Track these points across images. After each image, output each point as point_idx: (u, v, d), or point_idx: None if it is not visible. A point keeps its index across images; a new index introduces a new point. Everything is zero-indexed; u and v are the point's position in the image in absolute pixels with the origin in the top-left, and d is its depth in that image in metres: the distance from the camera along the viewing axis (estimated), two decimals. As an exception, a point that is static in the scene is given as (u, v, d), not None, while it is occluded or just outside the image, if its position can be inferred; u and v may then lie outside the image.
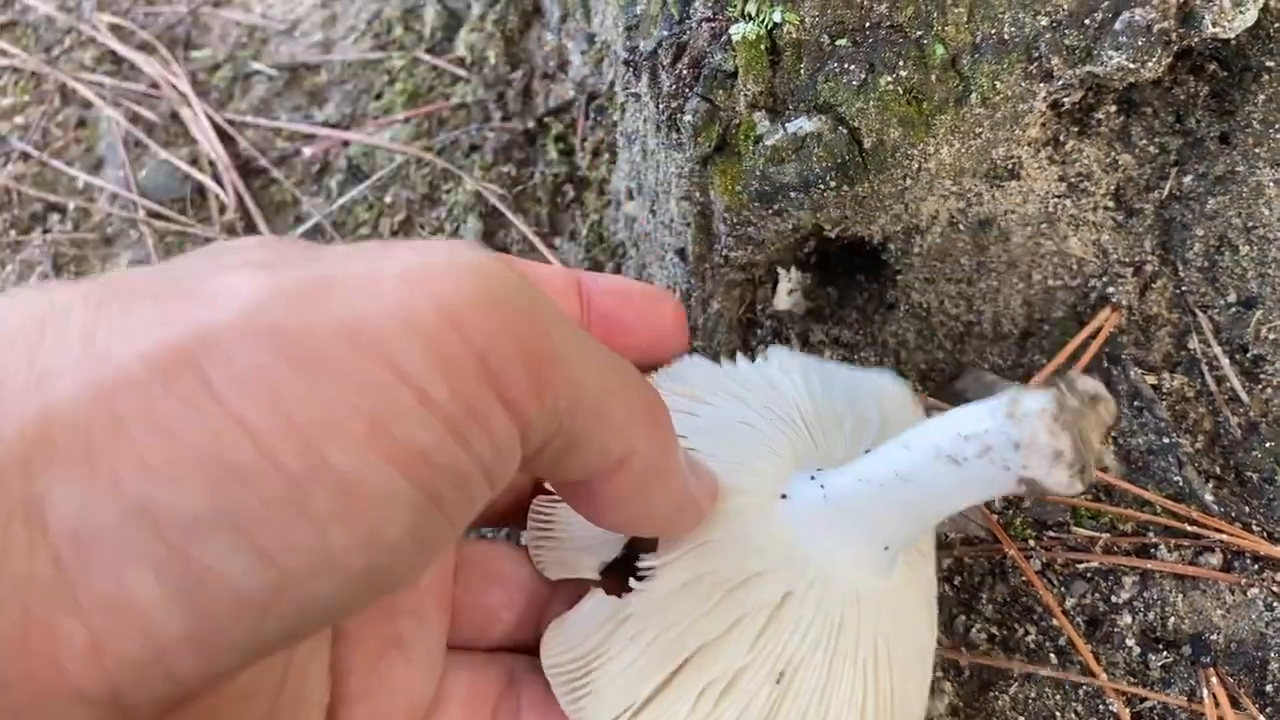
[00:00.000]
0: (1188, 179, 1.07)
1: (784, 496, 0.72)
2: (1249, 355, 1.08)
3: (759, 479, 0.73)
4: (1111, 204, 1.08)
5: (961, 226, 1.04)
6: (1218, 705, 0.87)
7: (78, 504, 0.36)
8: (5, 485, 0.36)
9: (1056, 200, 1.05)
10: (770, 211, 0.98)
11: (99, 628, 0.36)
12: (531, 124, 1.39)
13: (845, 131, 0.93)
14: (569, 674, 0.70)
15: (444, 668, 0.73)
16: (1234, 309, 1.08)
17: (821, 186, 0.94)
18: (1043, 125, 1.02)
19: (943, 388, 1.11)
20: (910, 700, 0.76)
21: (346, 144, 1.44)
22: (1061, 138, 1.05)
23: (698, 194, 1.02)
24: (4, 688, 0.36)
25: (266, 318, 0.40)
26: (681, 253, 1.09)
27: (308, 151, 1.45)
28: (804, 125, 0.94)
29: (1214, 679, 0.88)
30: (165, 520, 0.36)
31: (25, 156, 1.53)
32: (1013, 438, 0.59)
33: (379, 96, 1.49)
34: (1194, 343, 1.09)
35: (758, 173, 0.95)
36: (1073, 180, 1.05)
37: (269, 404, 0.38)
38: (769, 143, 0.95)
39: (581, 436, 0.52)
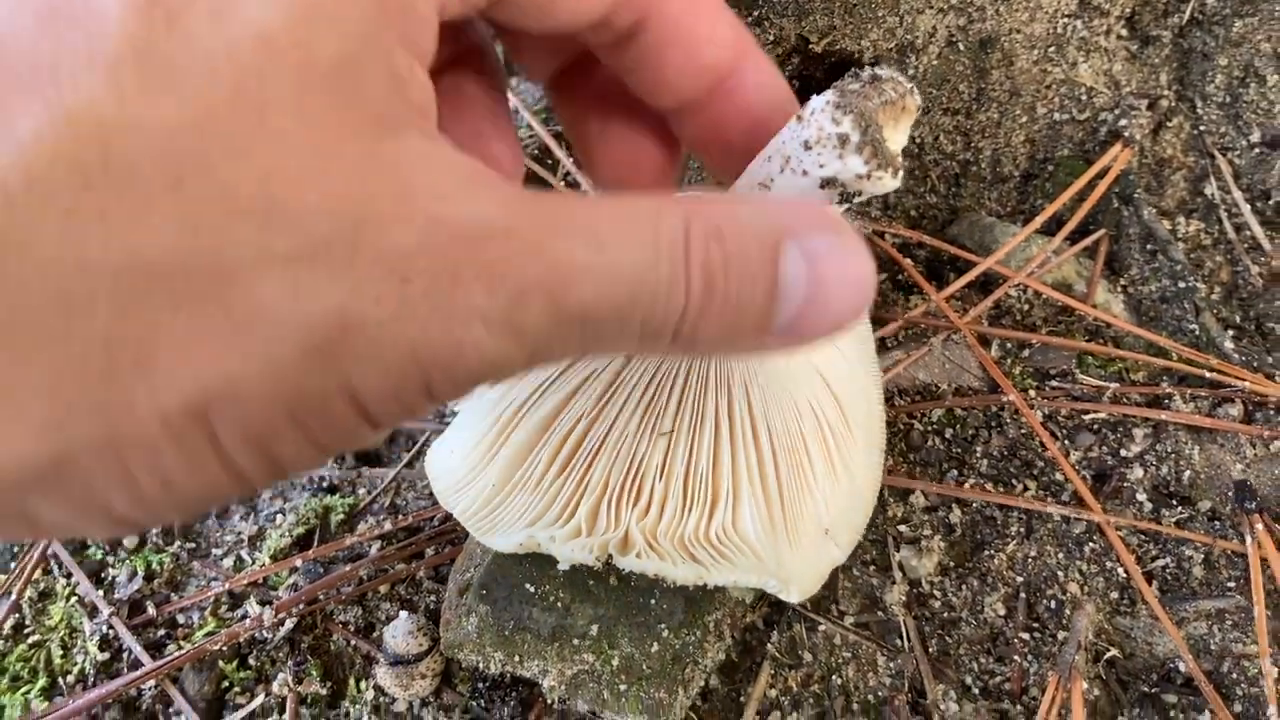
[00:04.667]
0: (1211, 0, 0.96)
1: None
2: (1271, 202, 0.98)
3: None
4: (1125, 32, 0.97)
5: (961, 46, 0.93)
6: (1262, 555, 0.79)
7: None
8: None
9: (1066, 20, 0.94)
10: (750, 19, 0.87)
11: None
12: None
13: (835, -78, 0.82)
14: (451, 482, 0.74)
15: None
16: (1257, 150, 0.98)
17: (807, -14, 0.84)
18: (1054, -66, 0.92)
19: (936, 235, 1.00)
20: (784, 465, 0.71)
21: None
22: (1074, -50, 0.94)
23: (668, 1, 0.90)
24: None
25: None
26: (649, 76, 0.98)
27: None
28: (789, -85, 0.83)
29: (1260, 525, 0.79)
30: None
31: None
32: (801, 138, 0.57)
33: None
34: (1211, 187, 0.99)
35: (736, -29, 0.84)
36: (1085, -2, 0.95)
37: None
38: (749, -65, 0.84)
39: None
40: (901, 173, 0.57)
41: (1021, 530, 0.83)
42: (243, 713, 0.80)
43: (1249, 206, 0.98)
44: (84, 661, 0.83)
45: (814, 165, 0.58)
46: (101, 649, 0.83)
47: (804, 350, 0.73)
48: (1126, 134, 0.96)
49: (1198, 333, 0.91)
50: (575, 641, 0.72)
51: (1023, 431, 0.87)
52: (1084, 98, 0.97)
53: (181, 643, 0.83)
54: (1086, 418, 0.88)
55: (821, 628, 0.80)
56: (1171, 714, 0.74)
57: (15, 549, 0.90)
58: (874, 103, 0.56)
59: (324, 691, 0.80)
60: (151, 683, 0.81)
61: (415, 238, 0.37)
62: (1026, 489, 0.85)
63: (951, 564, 0.82)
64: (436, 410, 0.93)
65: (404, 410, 0.39)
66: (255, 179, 0.35)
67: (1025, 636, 0.78)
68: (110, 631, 0.84)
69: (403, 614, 0.80)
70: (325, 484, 0.92)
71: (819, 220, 0.47)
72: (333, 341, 0.36)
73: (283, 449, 0.38)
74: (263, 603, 0.83)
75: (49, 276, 0.33)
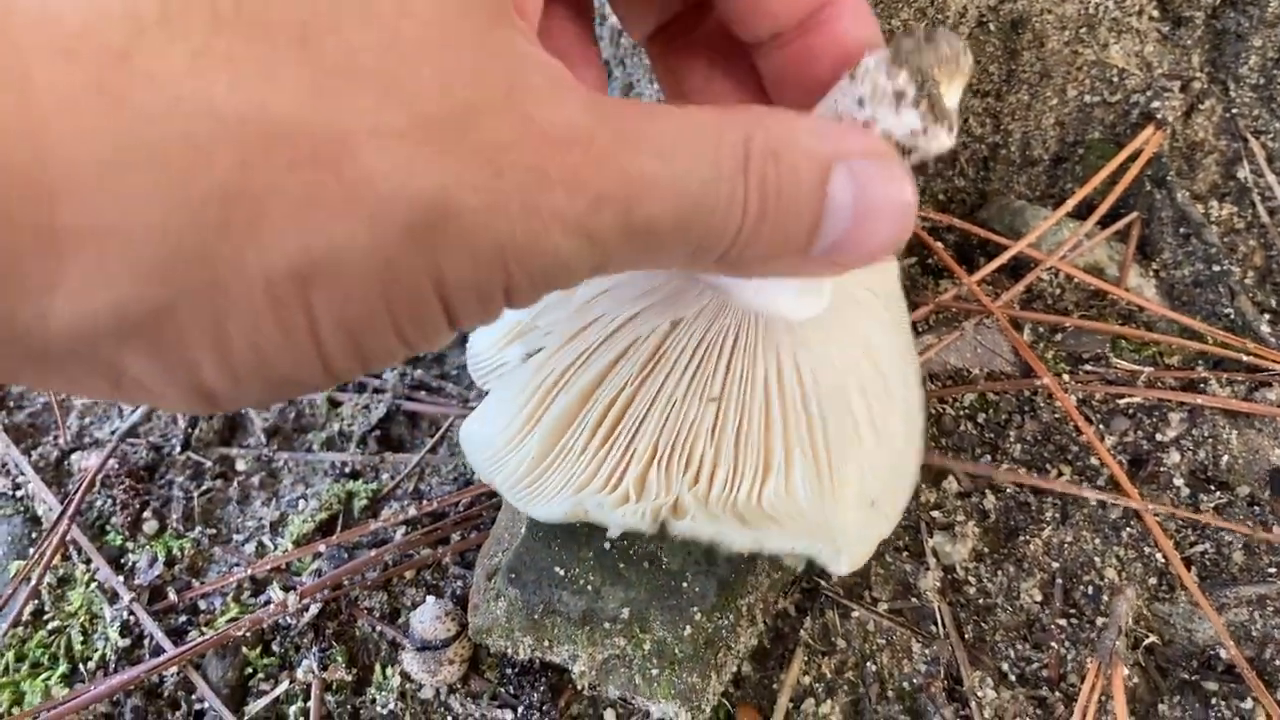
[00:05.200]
0: (1246, -20, 0.95)
1: None
2: (1304, 186, 0.97)
3: None
4: (1157, 12, 0.96)
5: (992, 27, 0.92)
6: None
7: None
8: None
9: (1098, 1, 0.93)
10: None
11: None
12: (507, -55, 1.26)
13: (867, -102, 0.81)
14: (490, 453, 0.71)
15: None
16: (1290, 133, 0.97)
17: (838, -37, 0.82)
18: (1086, -87, 0.90)
19: (965, 219, 0.99)
20: (833, 429, 0.69)
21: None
22: (1106, -71, 0.93)
23: (695, -20, 0.89)
24: None
25: None
26: (675, 57, 0.97)
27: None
28: (820, -109, 0.81)
29: (1300, 509, 0.78)
30: None
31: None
32: (855, 94, 0.55)
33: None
34: (1244, 171, 0.98)
35: (765, -51, 0.83)
36: (1117, -22, 0.93)
37: None
38: (779, -89, 0.82)
39: None
40: (956, 130, 0.56)
41: (1057, 516, 0.82)
42: (267, 699, 0.78)
43: (1282, 190, 0.97)
44: (105, 648, 0.81)
45: (868, 122, 0.55)
46: (122, 635, 0.82)
47: (837, 276, 0.71)
48: (1158, 116, 0.95)
49: (1233, 316, 0.89)
50: (606, 625, 0.71)
51: (1056, 416, 0.86)
52: (1115, 79, 0.96)
53: (204, 629, 0.82)
54: (1121, 402, 0.86)
55: (855, 614, 0.78)
56: (1213, 701, 0.73)
57: (33, 535, 0.89)
58: (930, 58, 0.55)
59: (349, 678, 0.78)
60: (174, 669, 0.79)
61: (512, 133, 0.37)
62: (1061, 474, 0.84)
63: (986, 550, 0.81)
64: (474, 387, 0.92)
65: (482, 308, 0.40)
66: (379, 46, 0.35)
67: (1062, 623, 0.77)
68: (131, 617, 0.83)
69: (430, 599, 0.78)
70: (348, 469, 0.91)
71: (869, 146, 0.48)
72: (432, 225, 0.36)
73: (369, 337, 0.38)
74: (286, 588, 0.82)
75: (175, 114, 0.32)
